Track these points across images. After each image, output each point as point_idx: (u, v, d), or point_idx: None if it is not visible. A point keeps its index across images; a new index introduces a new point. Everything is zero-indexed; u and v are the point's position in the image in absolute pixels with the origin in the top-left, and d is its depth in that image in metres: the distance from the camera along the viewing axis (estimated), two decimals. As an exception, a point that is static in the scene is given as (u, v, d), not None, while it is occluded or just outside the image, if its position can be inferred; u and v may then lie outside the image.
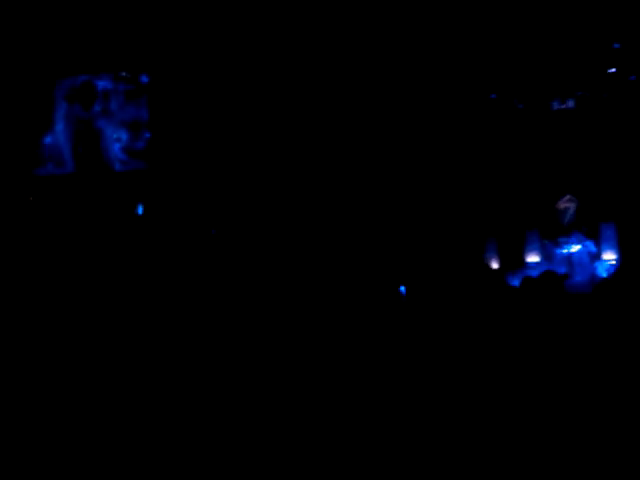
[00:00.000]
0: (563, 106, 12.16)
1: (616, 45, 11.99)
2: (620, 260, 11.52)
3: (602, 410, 8.09)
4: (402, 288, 11.33)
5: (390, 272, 11.49)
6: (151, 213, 11.37)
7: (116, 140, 11.57)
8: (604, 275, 11.44)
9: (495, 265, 11.80)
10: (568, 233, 11.82)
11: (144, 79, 11.73)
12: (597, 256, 11.66)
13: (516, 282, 11.52)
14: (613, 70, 12.01)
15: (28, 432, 6.35)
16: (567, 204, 11.94)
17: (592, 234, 11.76)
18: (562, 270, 11.52)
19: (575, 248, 11.68)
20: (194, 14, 11.70)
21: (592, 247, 11.68)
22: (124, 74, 11.66)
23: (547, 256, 11.79)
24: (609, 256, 11.59)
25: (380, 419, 7.22)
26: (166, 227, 11.19)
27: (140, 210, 11.32)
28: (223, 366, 8.61)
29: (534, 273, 11.50)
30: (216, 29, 11.69)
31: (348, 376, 8.62)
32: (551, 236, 11.86)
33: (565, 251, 11.72)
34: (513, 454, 6.95)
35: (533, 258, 11.77)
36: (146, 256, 10.82)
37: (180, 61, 11.69)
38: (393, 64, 12.05)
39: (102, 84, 11.62)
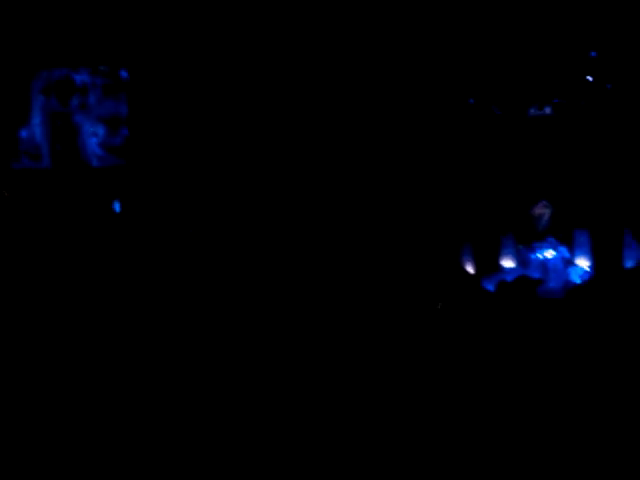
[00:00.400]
0: (540, 113, 12.28)
1: (593, 53, 12.13)
2: (593, 266, 11.68)
3: (571, 412, 8.20)
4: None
5: (368, 275, 11.51)
6: (128, 210, 11.26)
7: (93, 135, 11.43)
8: (577, 281, 11.58)
9: (470, 269, 11.89)
10: (543, 239, 11.96)
11: (123, 74, 11.61)
12: (570, 262, 11.80)
13: (491, 286, 11.62)
14: (590, 78, 12.16)
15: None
16: (542, 210, 12.07)
17: (566, 240, 11.91)
18: (536, 275, 11.64)
19: (549, 254, 11.82)
20: (174, 8, 11.59)
21: (566, 253, 11.83)
22: (103, 68, 11.52)
23: (522, 261, 11.91)
24: (582, 262, 11.74)
25: (367, 421, 7.25)
26: (143, 224, 11.09)
27: (117, 207, 11.22)
28: (219, 364, 8.56)
29: (509, 278, 11.61)
30: (197, 23, 11.59)
31: (339, 376, 8.63)
32: (526, 241, 11.99)
33: (540, 256, 11.85)
34: (493, 455, 7.03)
35: (508, 263, 11.88)
36: (123, 253, 10.72)
37: (160, 56, 11.57)
38: (374, 68, 12.06)
39: (80, 78, 11.46)
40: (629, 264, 11.52)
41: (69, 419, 6.54)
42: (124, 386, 7.83)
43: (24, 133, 11.42)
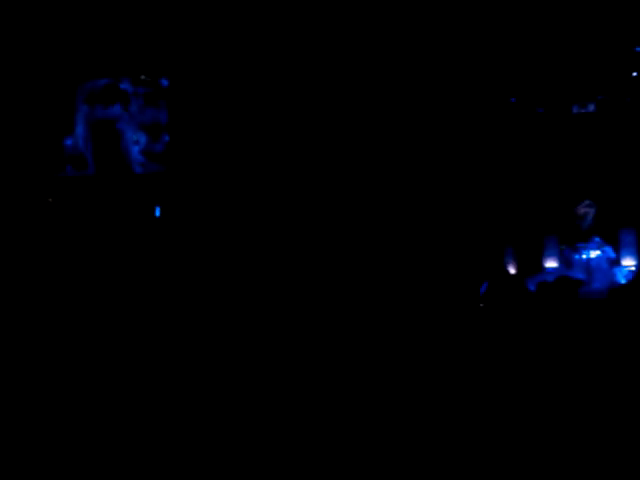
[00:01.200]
0: (583, 110, 12.06)
1: (638, 49, 11.87)
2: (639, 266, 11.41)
3: (615, 416, 8.02)
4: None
5: (404, 277, 11.48)
6: (169, 215, 11.48)
7: (135, 143, 11.70)
8: (623, 281, 11.32)
9: (513, 270, 11.74)
10: (587, 239, 11.73)
11: (164, 82, 11.85)
12: (616, 262, 11.55)
13: (533, 287, 11.45)
14: (635, 74, 11.89)
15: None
16: (586, 209, 11.84)
17: (611, 240, 11.66)
18: (580, 276, 11.43)
19: (594, 254, 11.59)
20: (214, 18, 11.79)
21: (611, 253, 11.58)
22: (144, 77, 11.79)
23: (565, 262, 11.70)
24: (628, 262, 11.47)
25: (381, 419, 7.23)
26: (183, 230, 11.30)
27: (158, 212, 11.44)
28: (228, 366, 8.66)
29: (550, 278, 11.42)
30: (235, 34, 11.76)
31: (346, 375, 8.63)
32: (569, 242, 11.77)
33: (584, 257, 11.62)
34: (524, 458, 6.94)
35: (551, 263, 11.69)
36: (163, 258, 10.93)
37: (199, 65, 11.79)
38: (409, 66, 12.03)
39: (122, 87, 11.75)
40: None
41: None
42: (134, 384, 7.98)
43: (69, 142, 11.76)
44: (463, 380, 9.14)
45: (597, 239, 11.75)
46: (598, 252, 11.59)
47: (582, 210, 11.85)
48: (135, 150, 11.72)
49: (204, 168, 11.61)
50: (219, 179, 11.58)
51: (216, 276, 10.83)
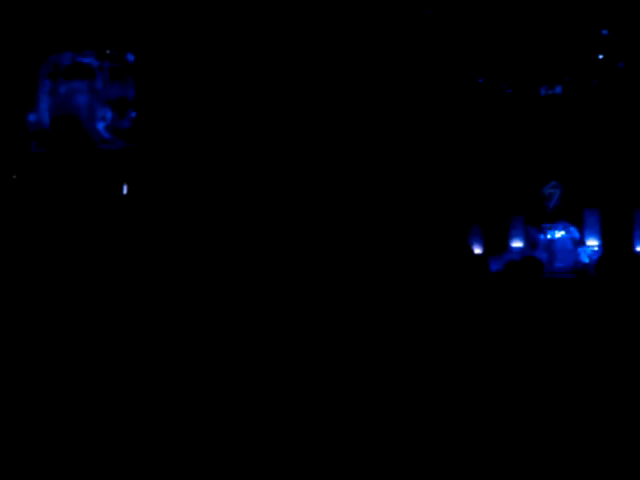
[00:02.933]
0: (551, 92, 12.18)
1: (604, 32, 11.99)
2: (603, 246, 11.62)
3: (584, 400, 8.16)
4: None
5: (372, 259, 11.50)
6: (136, 193, 11.33)
7: (101, 119, 11.48)
8: (586, 261, 11.53)
9: (479, 250, 11.86)
10: (552, 219, 11.91)
11: (130, 57, 11.63)
12: (580, 242, 11.75)
13: (498, 266, 11.59)
14: (601, 57, 12.02)
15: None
16: (552, 190, 12.00)
17: (575, 220, 11.85)
18: (545, 255, 11.61)
19: (559, 234, 11.77)
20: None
21: (575, 233, 11.77)
22: (109, 52, 11.55)
23: (531, 242, 11.88)
24: (592, 242, 11.68)
25: (369, 418, 7.28)
26: (151, 207, 11.16)
27: (125, 190, 11.28)
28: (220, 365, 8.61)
29: (516, 257, 11.58)
30: (205, 9, 11.58)
31: (337, 375, 8.64)
32: (535, 222, 11.94)
33: (549, 237, 11.80)
34: (494, 451, 7.02)
35: (517, 243, 11.85)
36: (131, 237, 10.79)
37: (167, 40, 11.59)
38: (375, 45, 11.98)
39: (86, 61, 11.51)
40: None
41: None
42: (125, 382, 7.91)
43: (32, 118, 11.49)
44: (432, 365, 9.20)
45: (562, 220, 11.94)
46: (563, 232, 11.78)
47: (548, 191, 12.02)
48: (101, 126, 11.51)
49: (172, 144, 11.46)
50: (187, 155, 11.46)
51: (187, 257, 10.73)
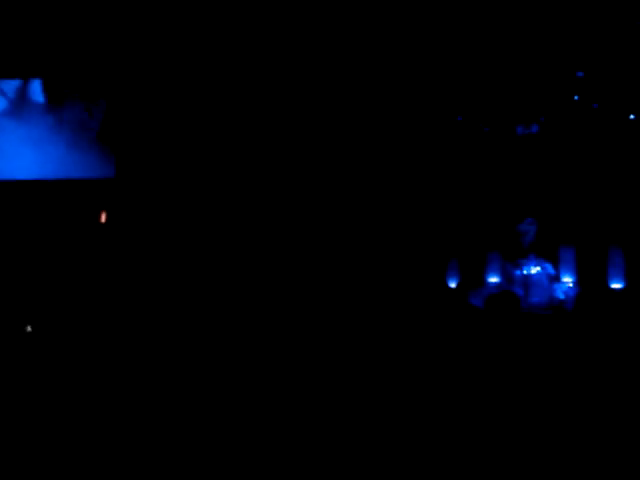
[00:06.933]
0: (527, 131, 12.43)
1: (580, 74, 12.30)
2: (578, 282, 11.79)
3: (560, 432, 8.21)
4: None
5: (349, 290, 11.56)
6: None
7: None
8: (562, 297, 11.67)
9: (454, 285, 11.98)
10: (527, 255, 12.08)
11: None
12: (556, 278, 11.91)
13: (477, 301, 11.69)
14: (576, 98, 12.32)
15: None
16: (527, 227, 12.20)
17: (551, 257, 12.02)
18: (520, 291, 11.74)
19: (534, 270, 11.93)
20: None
21: (550, 269, 11.94)
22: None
23: (507, 277, 12.02)
24: (567, 278, 11.84)
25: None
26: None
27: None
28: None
29: (494, 292, 11.69)
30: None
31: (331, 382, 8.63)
32: (511, 258, 12.10)
33: (525, 272, 11.95)
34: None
35: (493, 279, 11.98)
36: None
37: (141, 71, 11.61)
38: (354, 82, 12.14)
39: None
40: (614, 281, 11.62)
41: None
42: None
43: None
44: (408, 392, 9.22)
45: (537, 256, 12.10)
46: (538, 268, 11.93)
47: (524, 228, 12.21)
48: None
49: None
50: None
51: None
